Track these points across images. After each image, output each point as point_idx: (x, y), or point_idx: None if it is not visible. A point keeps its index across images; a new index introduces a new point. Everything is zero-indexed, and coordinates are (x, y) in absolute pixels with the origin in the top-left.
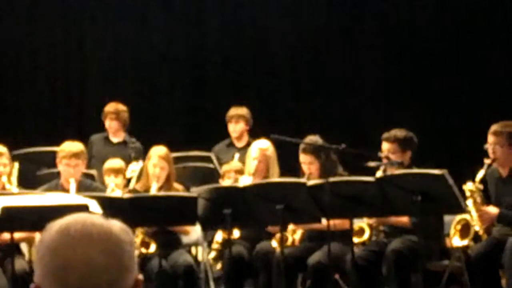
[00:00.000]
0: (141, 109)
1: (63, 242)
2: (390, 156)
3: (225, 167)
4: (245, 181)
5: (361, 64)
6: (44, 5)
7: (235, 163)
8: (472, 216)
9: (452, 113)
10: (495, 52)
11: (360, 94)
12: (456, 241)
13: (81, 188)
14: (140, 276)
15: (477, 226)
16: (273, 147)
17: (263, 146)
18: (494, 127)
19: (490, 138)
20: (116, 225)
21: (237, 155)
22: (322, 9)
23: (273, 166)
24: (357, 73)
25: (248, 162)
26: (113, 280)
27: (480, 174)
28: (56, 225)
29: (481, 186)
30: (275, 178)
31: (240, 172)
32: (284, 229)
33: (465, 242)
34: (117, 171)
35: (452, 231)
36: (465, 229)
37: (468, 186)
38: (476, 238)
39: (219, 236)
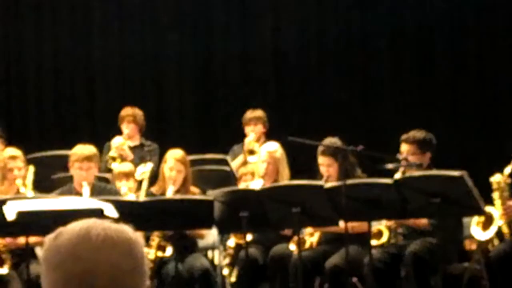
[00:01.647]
0: (155, 113)
1: (86, 246)
2: (409, 157)
3: (241, 170)
4: (255, 184)
5: (378, 66)
6: (51, 10)
7: (251, 166)
8: (497, 208)
9: (471, 112)
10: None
11: (378, 96)
12: (478, 234)
13: (95, 191)
14: (148, 282)
15: (500, 221)
16: (282, 149)
17: (271, 148)
18: None
19: None
20: (129, 229)
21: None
22: (335, 10)
23: (282, 168)
24: (374, 74)
25: (257, 164)
26: (137, 283)
27: (509, 169)
28: (72, 230)
29: (509, 180)
30: (285, 180)
31: None
32: (300, 232)
33: (487, 234)
34: (127, 175)
35: (474, 221)
36: (487, 222)
37: (496, 178)
38: (499, 234)
39: (232, 241)
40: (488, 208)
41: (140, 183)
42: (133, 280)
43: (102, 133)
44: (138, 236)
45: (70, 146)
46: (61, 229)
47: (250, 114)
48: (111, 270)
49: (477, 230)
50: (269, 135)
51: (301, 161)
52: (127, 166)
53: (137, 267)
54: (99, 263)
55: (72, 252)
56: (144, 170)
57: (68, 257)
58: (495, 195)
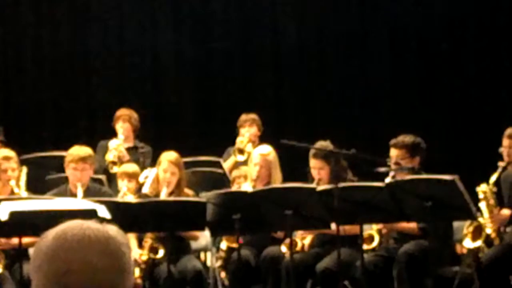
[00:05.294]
0: (150, 115)
1: (61, 247)
2: (400, 161)
3: (234, 173)
4: (247, 187)
5: (371, 69)
6: (50, 9)
7: (244, 169)
8: (484, 218)
9: (463, 117)
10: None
11: (370, 99)
12: (467, 243)
13: (90, 193)
14: (138, 280)
15: (489, 229)
16: (275, 152)
17: (264, 151)
18: (509, 130)
19: (505, 141)
20: (112, 228)
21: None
22: (329, 12)
23: (275, 171)
24: (366, 78)
25: (250, 167)
26: (114, 281)
27: (494, 177)
28: (51, 233)
29: (494, 189)
30: (278, 183)
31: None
32: (292, 234)
33: (476, 244)
34: (131, 176)
35: (464, 232)
36: (477, 231)
37: (482, 188)
38: (488, 241)
39: (223, 244)
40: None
41: (141, 186)
42: (109, 278)
43: (98, 134)
44: (120, 235)
45: (65, 147)
46: (45, 233)
47: (245, 116)
48: (85, 268)
49: (467, 241)
50: (266, 137)
51: (294, 164)
52: (132, 167)
53: (114, 265)
54: (74, 263)
55: (48, 253)
56: (148, 174)
57: (45, 258)
58: (482, 205)
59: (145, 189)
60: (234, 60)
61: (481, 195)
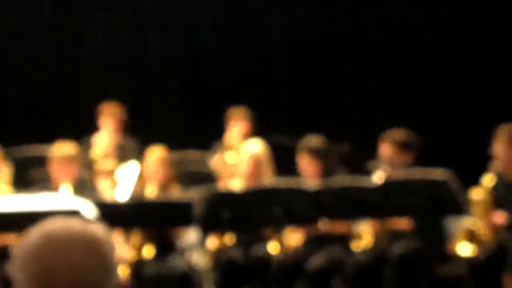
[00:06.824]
0: (137, 110)
1: (45, 247)
2: (391, 157)
3: (222, 169)
4: (234, 183)
5: (364, 64)
6: (39, 3)
7: (232, 165)
8: (479, 222)
9: (457, 114)
10: (502, 52)
11: (363, 94)
12: (462, 249)
13: (74, 190)
14: (125, 279)
15: (483, 233)
16: (265, 148)
17: (254, 148)
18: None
19: None
20: (96, 227)
21: None
22: (324, 7)
23: (265, 167)
24: (359, 72)
25: (240, 164)
26: (98, 280)
27: (488, 179)
28: (35, 232)
29: (489, 192)
30: (268, 179)
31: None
32: (281, 232)
33: (471, 250)
34: (108, 172)
35: (458, 239)
36: (471, 237)
37: (476, 194)
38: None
39: (212, 242)
40: (470, 222)
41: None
42: (96, 277)
43: (84, 131)
44: (104, 234)
45: (51, 142)
46: (28, 232)
47: (234, 110)
48: (71, 268)
49: (463, 248)
50: (255, 132)
51: (286, 159)
52: (109, 164)
53: (100, 264)
54: (58, 263)
55: (32, 253)
56: (126, 169)
57: (29, 258)
58: (476, 208)
59: (126, 190)
60: (222, 54)
61: (475, 200)
